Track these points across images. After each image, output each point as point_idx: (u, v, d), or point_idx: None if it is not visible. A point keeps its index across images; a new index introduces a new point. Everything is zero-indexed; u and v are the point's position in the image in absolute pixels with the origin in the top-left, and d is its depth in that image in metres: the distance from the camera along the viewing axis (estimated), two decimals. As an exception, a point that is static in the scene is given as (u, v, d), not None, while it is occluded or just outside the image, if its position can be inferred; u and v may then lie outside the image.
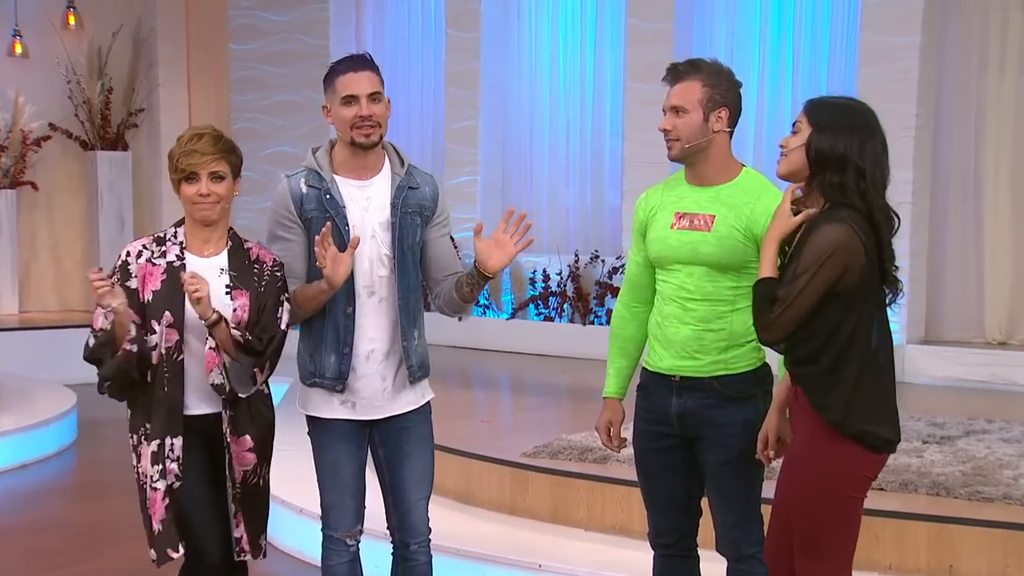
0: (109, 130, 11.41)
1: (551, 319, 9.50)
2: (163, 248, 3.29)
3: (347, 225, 3.37)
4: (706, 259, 3.22)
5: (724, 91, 3.26)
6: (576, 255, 9.51)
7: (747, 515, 3.31)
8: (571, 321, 9.40)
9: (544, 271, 9.57)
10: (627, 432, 3.50)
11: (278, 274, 3.37)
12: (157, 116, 11.61)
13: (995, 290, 8.11)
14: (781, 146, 3.04)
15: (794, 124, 3.04)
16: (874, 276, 2.91)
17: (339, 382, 3.42)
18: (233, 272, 3.33)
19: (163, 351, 3.24)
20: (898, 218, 3.00)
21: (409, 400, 3.51)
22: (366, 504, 3.55)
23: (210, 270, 3.30)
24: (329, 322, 3.41)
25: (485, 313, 9.86)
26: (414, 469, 3.51)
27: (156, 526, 3.25)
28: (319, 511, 3.54)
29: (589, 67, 9.87)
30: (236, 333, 3.24)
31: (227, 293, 3.31)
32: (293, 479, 5.90)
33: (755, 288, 2.96)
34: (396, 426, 3.49)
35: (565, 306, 9.45)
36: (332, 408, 3.45)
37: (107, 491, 6.42)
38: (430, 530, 3.58)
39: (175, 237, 3.32)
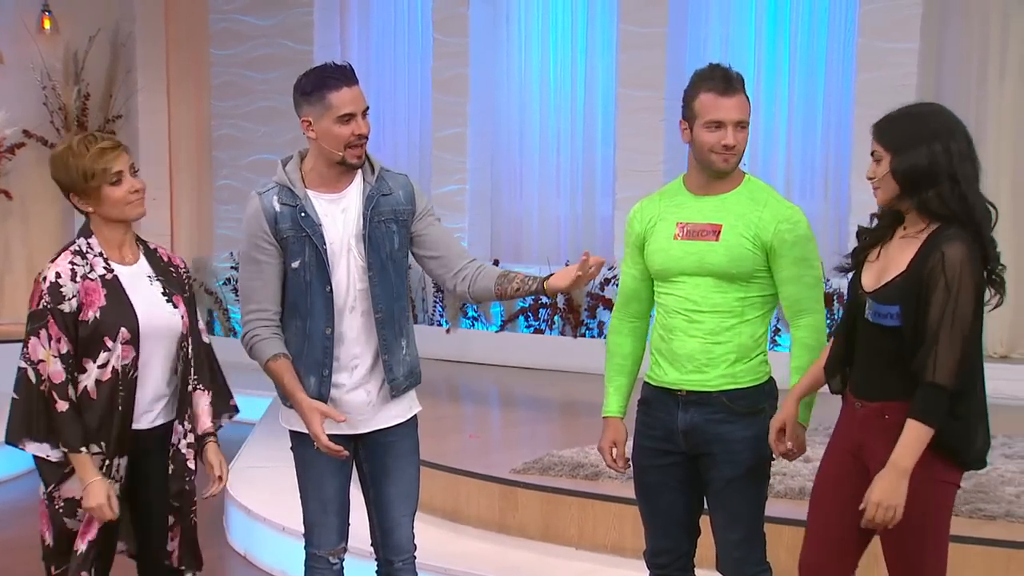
0: (86, 137, 11.38)
1: (541, 331, 9.50)
2: (87, 261, 3.20)
3: (324, 244, 3.36)
4: (714, 269, 3.22)
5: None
6: (567, 265, 9.48)
7: (751, 535, 3.31)
8: (562, 333, 9.40)
9: (534, 282, 9.56)
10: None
11: (189, 279, 3.42)
12: (136, 123, 11.57)
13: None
14: (869, 178, 3.01)
15: (872, 152, 3.01)
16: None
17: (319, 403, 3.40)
18: (160, 278, 3.32)
19: (118, 368, 3.18)
20: (996, 210, 2.97)
21: (394, 414, 3.49)
22: (351, 521, 3.54)
23: (140, 278, 3.27)
24: (308, 344, 3.39)
25: (474, 325, 9.86)
26: (398, 485, 3.50)
27: (81, 546, 3.20)
28: (302, 529, 3.53)
29: (580, 73, 9.89)
30: (212, 434, 3.36)
31: (168, 301, 3.30)
32: (274, 497, 5.89)
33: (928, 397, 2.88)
34: (381, 440, 3.48)
35: (555, 318, 9.45)
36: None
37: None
38: (415, 547, 3.57)
39: (92, 248, 3.22)
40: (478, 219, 10.18)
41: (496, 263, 9.74)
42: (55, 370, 3.12)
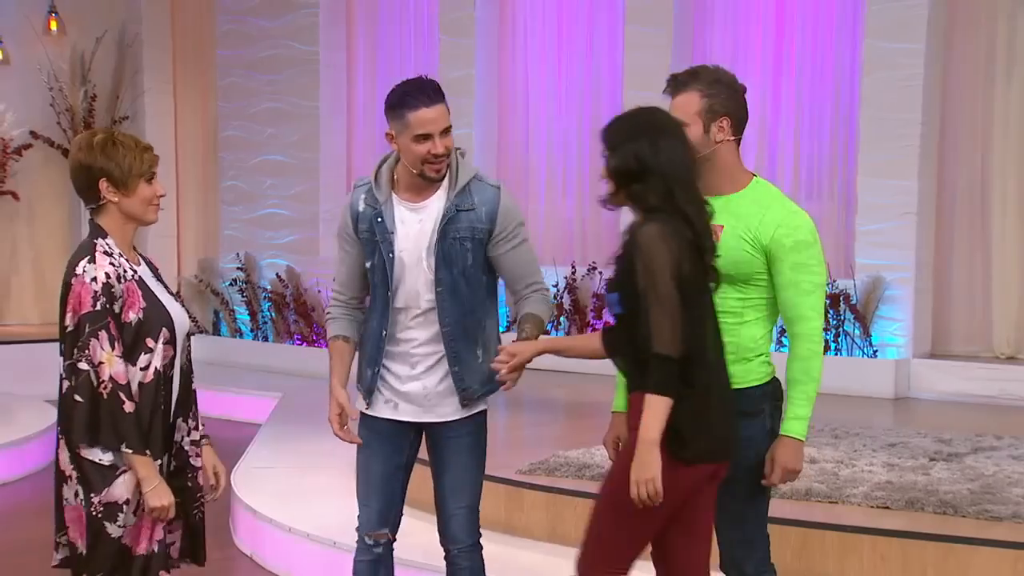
0: (92, 138, 11.39)
1: (547, 332, 9.49)
2: (118, 262, 3.19)
3: (392, 252, 3.43)
4: None
5: (724, 99, 3.25)
6: (573, 266, 9.52)
7: (752, 534, 3.31)
8: (568, 334, 9.40)
9: (540, 283, 9.55)
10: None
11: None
12: (142, 124, 11.59)
13: (1003, 303, 8.12)
14: (601, 177, 3.15)
15: (602, 153, 3.16)
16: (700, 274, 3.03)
17: (368, 395, 3.54)
18: (159, 277, 3.35)
19: (159, 368, 3.18)
20: (711, 206, 3.08)
21: (454, 409, 3.54)
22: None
23: (151, 279, 3.28)
24: (368, 339, 3.54)
25: (479, 326, 9.85)
26: (454, 478, 3.58)
27: (146, 548, 3.19)
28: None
29: (586, 74, 9.90)
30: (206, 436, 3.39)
31: (176, 300, 3.34)
32: (280, 497, 5.90)
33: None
34: (443, 434, 3.56)
35: (562, 319, 9.46)
36: (377, 406, 3.55)
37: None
38: (478, 536, 3.66)
39: (113, 249, 3.21)
40: (484, 220, 10.19)
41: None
42: (118, 371, 3.08)
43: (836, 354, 8.13)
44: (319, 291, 10.38)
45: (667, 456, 2.96)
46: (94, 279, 3.11)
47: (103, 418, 3.06)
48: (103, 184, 3.19)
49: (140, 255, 3.32)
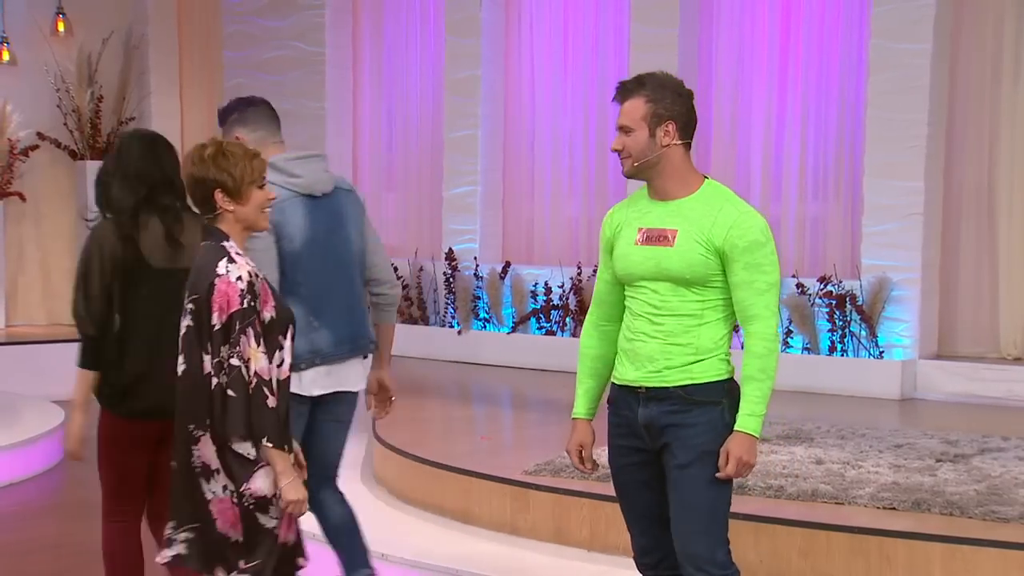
0: (99, 139, 11.42)
1: (553, 333, 9.49)
2: (249, 263, 3.32)
3: None
4: (669, 274, 3.29)
5: (668, 104, 3.31)
6: (579, 267, 9.51)
7: (708, 529, 3.30)
8: (573, 335, 9.38)
9: (546, 284, 9.57)
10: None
11: None
12: (148, 125, 11.57)
13: (1010, 303, 8.10)
14: None
15: None
16: None
17: None
18: None
19: (289, 365, 3.32)
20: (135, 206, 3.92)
21: None
22: None
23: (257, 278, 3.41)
24: None
25: (485, 327, 9.86)
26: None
27: (288, 538, 3.33)
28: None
29: (592, 74, 9.89)
30: None
31: None
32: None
33: None
34: None
35: (567, 320, 9.45)
36: None
37: (96, 511, 6.40)
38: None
39: (234, 249, 3.32)
40: (489, 221, 10.19)
41: (508, 265, 9.76)
42: (262, 367, 3.20)
43: (842, 355, 8.12)
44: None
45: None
46: (239, 278, 3.22)
47: (253, 412, 3.19)
48: (218, 195, 3.30)
49: None
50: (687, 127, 3.33)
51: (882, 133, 8.06)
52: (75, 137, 11.35)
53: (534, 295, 9.61)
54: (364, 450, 6.63)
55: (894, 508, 4.69)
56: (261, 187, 3.33)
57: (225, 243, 3.29)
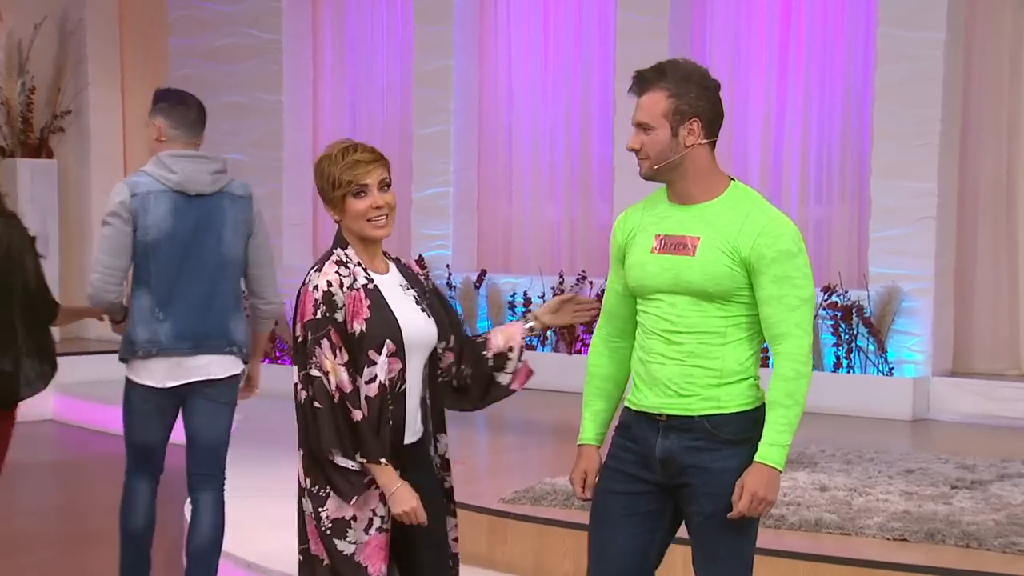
0: (31, 135, 11.38)
1: (533, 348, 9.51)
2: (349, 271, 3.37)
3: None
4: (689, 287, 3.19)
5: (693, 99, 3.22)
6: (561, 276, 9.54)
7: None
8: (555, 351, 9.42)
9: (525, 294, 9.59)
10: None
11: (430, 283, 3.63)
12: (86, 119, 11.58)
13: (1030, 315, 8.17)
14: None
15: None
16: None
17: None
18: (415, 289, 3.49)
19: (385, 382, 3.32)
20: None
21: None
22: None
23: (395, 288, 3.43)
24: None
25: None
26: None
27: (378, 571, 3.35)
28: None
29: (575, 66, 9.93)
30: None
31: (422, 310, 3.44)
32: (240, 529, 5.88)
33: None
34: None
35: (549, 333, 9.47)
36: None
37: (31, 542, 6.37)
38: None
39: (351, 258, 3.39)
40: (463, 225, 10.20)
41: (483, 273, 9.76)
42: (343, 379, 3.27)
43: (849, 372, 8.17)
44: (284, 302, 10.36)
45: None
46: (316, 287, 3.32)
47: (341, 424, 3.28)
48: (326, 205, 3.42)
49: (397, 262, 3.52)
50: (713, 124, 3.23)
51: (891, 129, 8.11)
52: (4, 133, 11.31)
53: (512, 306, 9.63)
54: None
55: (905, 539, 4.72)
56: (357, 195, 3.36)
57: (336, 250, 3.39)
